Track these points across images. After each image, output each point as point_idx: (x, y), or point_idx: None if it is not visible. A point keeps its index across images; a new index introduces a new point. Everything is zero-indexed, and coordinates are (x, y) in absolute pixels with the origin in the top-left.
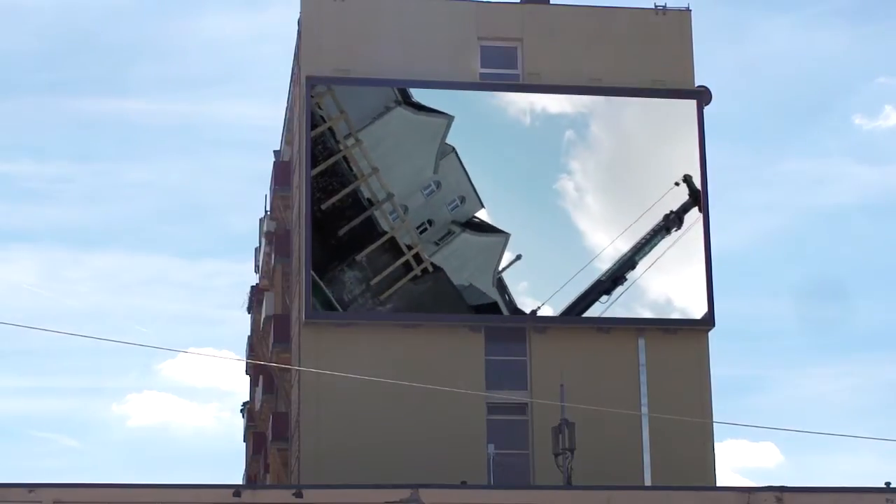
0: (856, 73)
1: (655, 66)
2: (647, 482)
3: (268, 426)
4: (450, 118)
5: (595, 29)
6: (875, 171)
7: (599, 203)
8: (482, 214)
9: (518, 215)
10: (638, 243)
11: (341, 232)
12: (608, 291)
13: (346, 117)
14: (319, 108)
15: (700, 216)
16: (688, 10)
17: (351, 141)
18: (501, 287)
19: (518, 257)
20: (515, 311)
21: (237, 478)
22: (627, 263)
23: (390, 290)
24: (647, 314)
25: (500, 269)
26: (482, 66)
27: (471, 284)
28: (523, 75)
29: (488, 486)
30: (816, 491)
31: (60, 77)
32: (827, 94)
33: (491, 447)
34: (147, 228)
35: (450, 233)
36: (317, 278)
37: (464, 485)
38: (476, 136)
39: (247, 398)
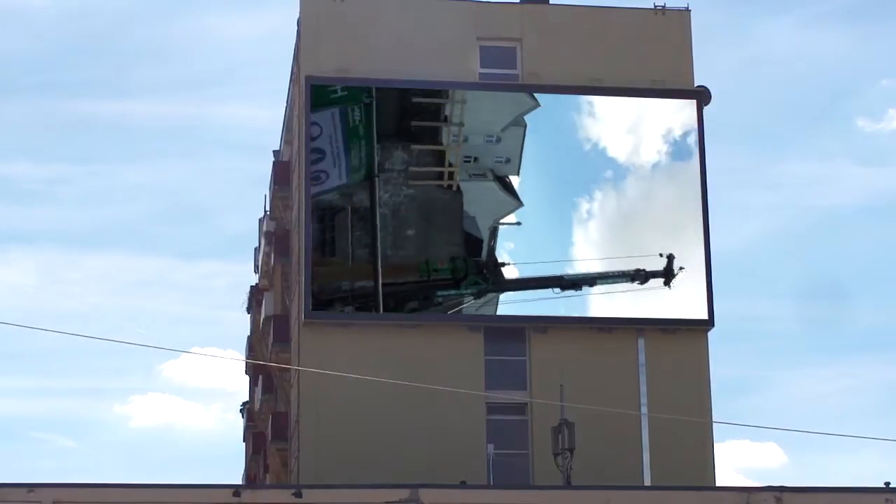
0: (859, 75)
1: (655, 66)
2: (647, 482)
3: (267, 426)
4: (536, 104)
5: (595, 29)
6: (877, 173)
7: (598, 230)
8: (514, 179)
9: (537, 198)
10: (605, 272)
11: (413, 124)
12: (563, 288)
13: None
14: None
15: (665, 287)
16: (688, 10)
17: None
18: (493, 233)
19: (518, 223)
20: (492, 253)
21: (238, 478)
22: (588, 280)
23: (417, 182)
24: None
25: (500, 220)
26: (482, 66)
27: (474, 217)
28: (523, 75)
29: (488, 486)
30: (816, 491)
31: (59, 78)
32: (830, 96)
33: (490, 447)
34: (145, 230)
35: (484, 175)
36: (375, 136)
37: (463, 485)
38: (548, 131)
39: (247, 398)
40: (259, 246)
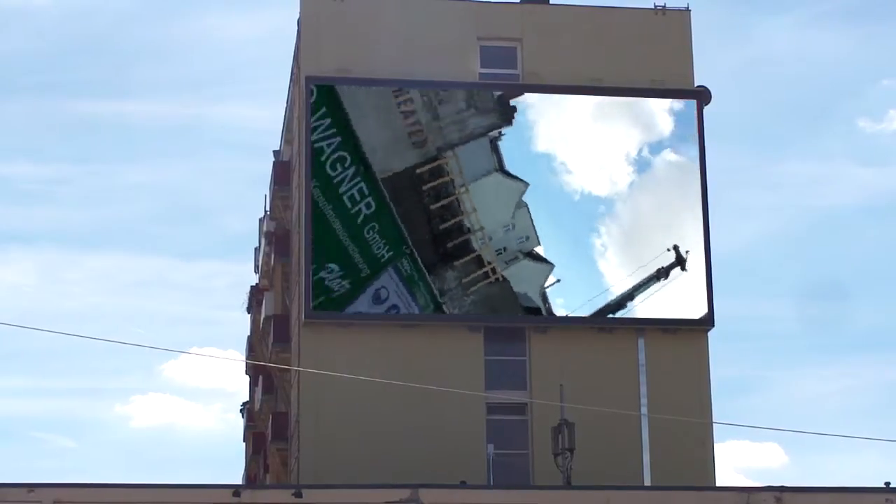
0: (860, 75)
1: (655, 66)
2: (647, 482)
3: (267, 426)
4: (526, 184)
5: (595, 29)
6: (878, 173)
7: (616, 255)
8: (539, 249)
9: (562, 254)
10: (637, 284)
11: (449, 245)
12: (613, 312)
13: (462, 173)
14: (447, 165)
15: (682, 272)
16: (688, 10)
17: (464, 189)
18: (544, 298)
19: (558, 280)
20: (551, 313)
21: (238, 478)
22: (628, 296)
23: (473, 287)
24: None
25: (545, 286)
26: (482, 66)
27: (525, 293)
28: (523, 75)
29: (488, 486)
30: (816, 491)
31: (58, 79)
32: (830, 96)
33: (490, 447)
34: (145, 230)
35: (516, 258)
36: (426, 273)
37: (463, 485)
38: (544, 199)
39: (247, 398)
40: (259, 246)
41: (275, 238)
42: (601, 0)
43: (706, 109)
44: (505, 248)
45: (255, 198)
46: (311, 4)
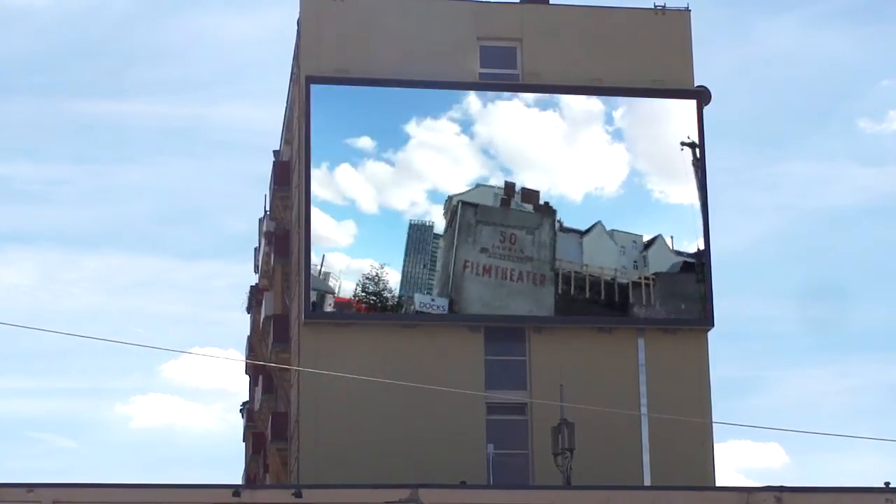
0: (860, 75)
1: (655, 66)
2: (647, 482)
3: (267, 426)
4: (598, 222)
5: (595, 29)
6: (878, 173)
7: (671, 188)
8: (646, 237)
9: (657, 223)
10: (699, 187)
11: (616, 300)
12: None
13: (574, 262)
14: (566, 271)
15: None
16: (687, 10)
17: (584, 268)
18: (679, 253)
19: (672, 236)
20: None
21: (238, 478)
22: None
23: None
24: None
25: (672, 247)
26: (482, 66)
27: (672, 263)
28: (523, 75)
29: (488, 486)
30: (816, 491)
31: (58, 79)
32: (830, 96)
33: (490, 447)
34: (144, 230)
35: (645, 257)
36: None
37: (463, 485)
38: (615, 218)
39: (247, 398)
40: (259, 246)
41: (275, 238)
42: (601, 0)
43: (706, 109)
44: (635, 263)
45: (255, 198)
46: (311, 4)
